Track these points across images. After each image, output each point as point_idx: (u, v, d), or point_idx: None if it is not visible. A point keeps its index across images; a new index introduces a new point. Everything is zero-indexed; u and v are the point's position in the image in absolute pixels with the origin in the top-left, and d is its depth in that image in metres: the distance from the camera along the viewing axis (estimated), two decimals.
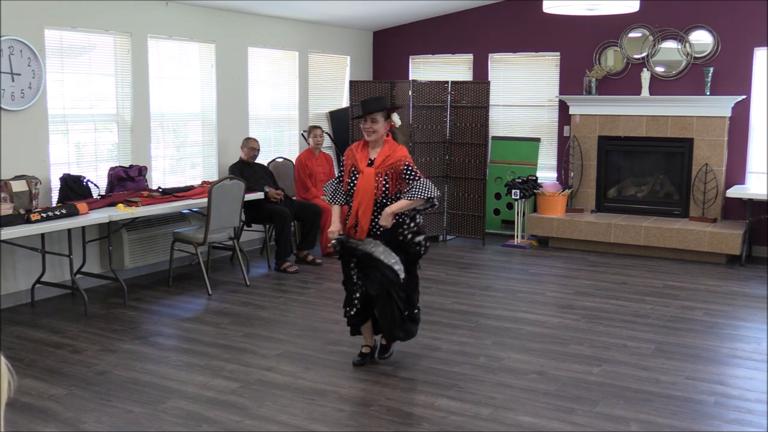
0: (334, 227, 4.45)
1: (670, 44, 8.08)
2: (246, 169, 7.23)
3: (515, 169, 8.85)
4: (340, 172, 4.53)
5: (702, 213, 7.95)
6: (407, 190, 4.28)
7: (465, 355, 4.79)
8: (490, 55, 9.06)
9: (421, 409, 3.97)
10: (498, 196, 8.93)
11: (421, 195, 4.24)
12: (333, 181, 4.57)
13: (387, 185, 4.30)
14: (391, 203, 4.30)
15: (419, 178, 4.30)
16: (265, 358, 4.74)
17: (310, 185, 7.74)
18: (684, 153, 8.06)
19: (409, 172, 4.31)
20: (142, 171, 6.65)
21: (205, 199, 6.28)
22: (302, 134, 8.55)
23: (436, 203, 4.37)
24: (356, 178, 4.36)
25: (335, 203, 4.52)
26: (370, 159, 4.37)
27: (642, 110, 8.13)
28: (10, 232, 5.14)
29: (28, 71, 5.86)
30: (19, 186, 5.58)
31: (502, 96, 9.03)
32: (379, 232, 4.32)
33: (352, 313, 4.47)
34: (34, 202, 5.66)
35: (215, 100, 7.64)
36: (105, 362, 4.66)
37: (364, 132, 4.38)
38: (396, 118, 4.44)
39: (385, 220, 4.25)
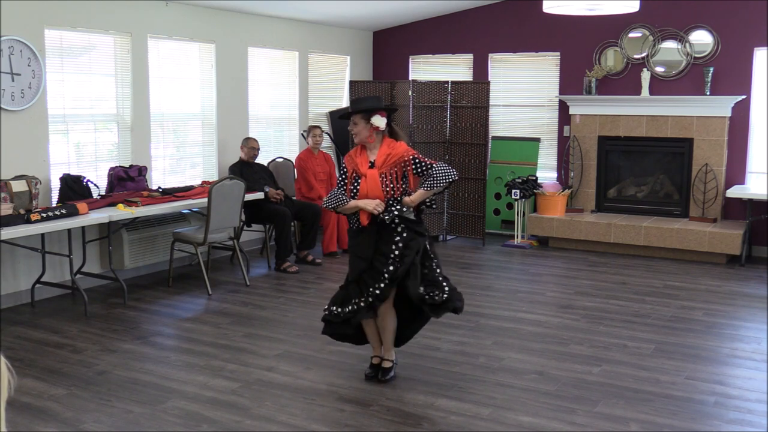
0: (372, 203, 4.13)
1: (670, 44, 8.08)
2: (246, 169, 7.23)
3: (515, 169, 8.85)
4: (340, 177, 4.36)
5: (702, 213, 7.95)
6: (425, 181, 4.13)
7: (465, 355, 4.79)
8: (490, 55, 9.06)
9: (421, 409, 3.97)
10: (498, 196, 8.93)
11: (444, 182, 4.11)
12: (334, 191, 4.33)
13: (392, 184, 4.16)
14: (399, 201, 4.16)
15: (432, 165, 4.15)
16: (265, 358, 4.74)
17: (313, 182, 7.74)
18: (684, 153, 8.06)
19: (420, 165, 4.16)
20: (142, 171, 6.65)
21: (205, 199, 6.28)
22: (302, 134, 8.56)
23: (456, 178, 4.18)
24: (359, 183, 4.21)
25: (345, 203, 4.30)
26: (370, 161, 4.24)
27: (642, 110, 8.13)
28: (10, 232, 5.14)
29: (28, 71, 5.86)
30: (19, 186, 5.58)
31: (502, 96, 9.03)
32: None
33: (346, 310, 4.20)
34: (34, 202, 5.66)
35: (215, 100, 7.64)
36: (105, 362, 4.66)
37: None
38: (377, 121, 4.18)
39: (406, 205, 4.13)
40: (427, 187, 4.14)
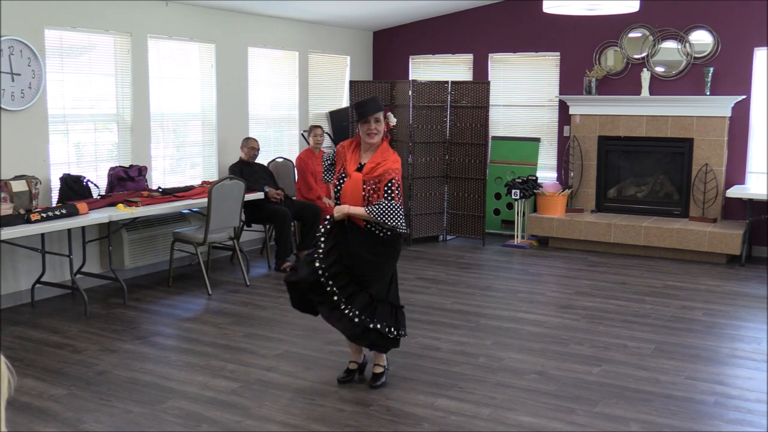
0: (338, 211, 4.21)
1: (670, 44, 8.08)
2: (246, 169, 7.23)
3: (515, 169, 8.85)
4: (332, 160, 4.35)
5: (702, 213, 7.95)
6: (373, 204, 4.02)
7: (465, 355, 4.79)
8: (490, 55, 9.06)
9: (421, 409, 3.97)
10: (498, 196, 8.93)
11: (379, 217, 3.98)
12: (328, 157, 4.37)
13: (374, 194, 4.05)
14: None
15: (392, 199, 4.03)
16: (265, 358, 4.74)
17: (313, 184, 7.73)
18: (684, 153, 8.06)
19: (387, 189, 4.04)
20: (142, 171, 6.66)
21: (205, 199, 6.28)
22: (302, 134, 8.56)
23: (402, 231, 4.11)
24: (343, 181, 4.16)
25: (326, 180, 4.40)
26: (360, 163, 4.16)
27: (642, 110, 8.13)
28: (10, 232, 5.14)
29: (28, 71, 5.86)
30: (19, 186, 5.58)
31: (502, 96, 9.03)
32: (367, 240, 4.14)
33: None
34: (34, 202, 5.66)
35: (215, 100, 7.64)
36: (105, 362, 4.66)
37: (365, 135, 4.12)
38: (392, 118, 4.24)
39: (338, 212, 4.08)
40: (369, 210, 4.02)
